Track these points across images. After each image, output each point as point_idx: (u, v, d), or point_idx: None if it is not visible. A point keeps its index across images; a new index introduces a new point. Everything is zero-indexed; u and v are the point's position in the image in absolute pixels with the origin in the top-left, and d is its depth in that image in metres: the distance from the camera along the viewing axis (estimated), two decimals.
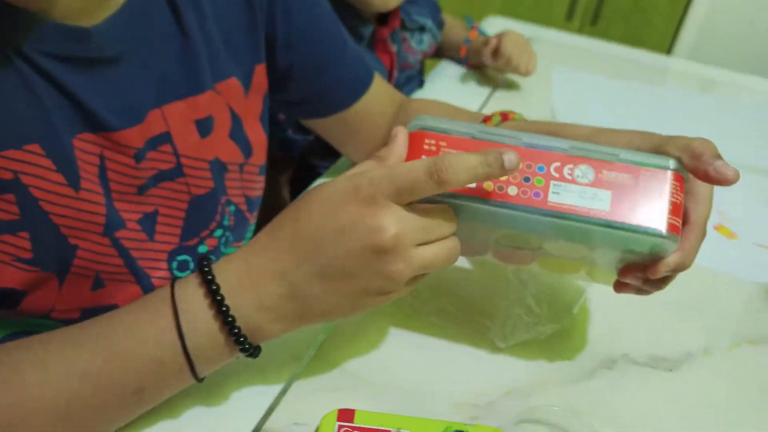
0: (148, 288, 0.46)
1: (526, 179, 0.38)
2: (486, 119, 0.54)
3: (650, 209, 0.37)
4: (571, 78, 1.06)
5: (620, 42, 1.24)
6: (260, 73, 0.52)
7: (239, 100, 0.50)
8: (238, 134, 0.51)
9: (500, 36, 0.95)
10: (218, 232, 0.51)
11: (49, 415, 0.35)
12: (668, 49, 1.37)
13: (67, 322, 0.39)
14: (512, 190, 0.37)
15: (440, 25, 1.06)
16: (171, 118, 0.45)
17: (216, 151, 0.49)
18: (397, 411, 0.38)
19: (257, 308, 0.37)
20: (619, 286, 0.43)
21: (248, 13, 0.50)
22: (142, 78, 0.42)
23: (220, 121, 0.49)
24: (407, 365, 0.47)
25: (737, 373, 0.51)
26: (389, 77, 0.98)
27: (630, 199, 0.37)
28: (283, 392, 0.44)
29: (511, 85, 1.00)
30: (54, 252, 0.40)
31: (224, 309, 0.36)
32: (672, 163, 0.38)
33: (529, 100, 0.96)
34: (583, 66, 1.13)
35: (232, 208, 0.52)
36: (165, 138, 0.45)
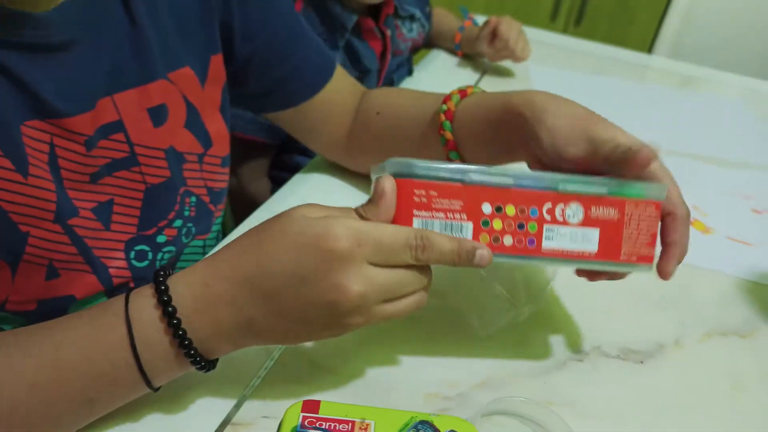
0: (104, 278, 0.46)
1: (520, 226, 0.39)
2: (446, 99, 0.54)
3: (635, 245, 0.41)
4: (550, 74, 1.07)
5: (604, 42, 1.25)
6: (217, 63, 0.52)
7: (195, 90, 0.50)
8: (195, 125, 0.50)
9: (498, 19, 0.97)
10: (178, 223, 0.50)
11: None
12: (649, 48, 1.38)
13: (23, 313, 0.39)
14: (507, 240, 0.39)
15: (428, 16, 1.09)
16: (123, 107, 0.45)
17: (171, 140, 0.49)
18: (367, 403, 0.38)
19: (212, 332, 0.36)
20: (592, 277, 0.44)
21: (202, 3, 0.49)
22: (92, 66, 0.42)
23: (174, 111, 0.48)
24: (379, 358, 0.47)
25: (708, 364, 0.51)
26: (382, 64, 0.97)
27: (616, 237, 0.40)
28: (253, 385, 0.44)
29: (498, 73, 1.03)
30: (4, 239, 0.40)
31: (175, 322, 0.35)
32: (656, 192, 0.41)
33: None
34: (564, 64, 1.14)
35: (193, 199, 0.52)
36: (117, 126, 0.44)
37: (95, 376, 0.35)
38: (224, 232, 0.61)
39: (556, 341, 0.51)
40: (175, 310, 0.35)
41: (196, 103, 0.50)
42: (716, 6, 1.34)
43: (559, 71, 1.10)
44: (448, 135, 0.52)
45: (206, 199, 0.53)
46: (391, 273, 0.36)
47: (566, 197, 0.39)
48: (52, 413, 0.35)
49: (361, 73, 0.94)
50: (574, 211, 0.39)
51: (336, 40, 0.90)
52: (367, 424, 0.35)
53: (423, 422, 0.35)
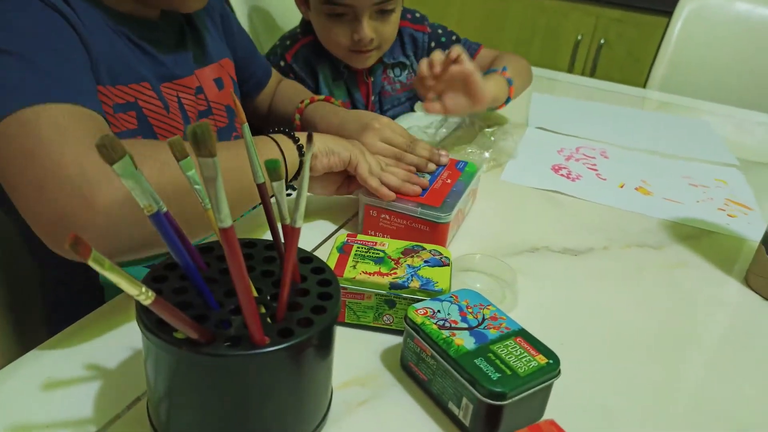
0: None
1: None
2: (301, 102, 0.92)
3: None
4: (547, 99, 1.33)
5: None
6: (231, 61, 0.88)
7: (232, 71, 0.85)
8: (235, 92, 0.85)
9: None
10: None
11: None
12: (644, 84, 1.63)
13: None
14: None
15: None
16: (201, 78, 0.77)
17: (227, 100, 0.81)
18: None
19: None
20: None
21: (216, 27, 0.84)
22: (185, 50, 0.75)
23: (226, 82, 0.82)
24: None
25: (625, 264, 0.74)
26: (366, 103, 1.20)
27: None
28: None
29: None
30: None
31: (298, 142, 0.67)
32: None
33: (508, 112, 1.22)
34: (561, 94, 1.40)
35: (236, 136, 0.84)
36: (200, 90, 0.77)
37: (243, 184, 0.54)
38: None
39: (518, 238, 0.75)
40: (298, 138, 0.67)
41: (234, 79, 0.85)
42: (700, 46, 1.61)
43: (556, 98, 1.36)
44: (297, 122, 0.91)
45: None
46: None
47: None
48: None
49: (354, 108, 1.11)
50: None
51: (336, 77, 1.15)
52: (384, 243, 0.60)
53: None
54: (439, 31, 1.24)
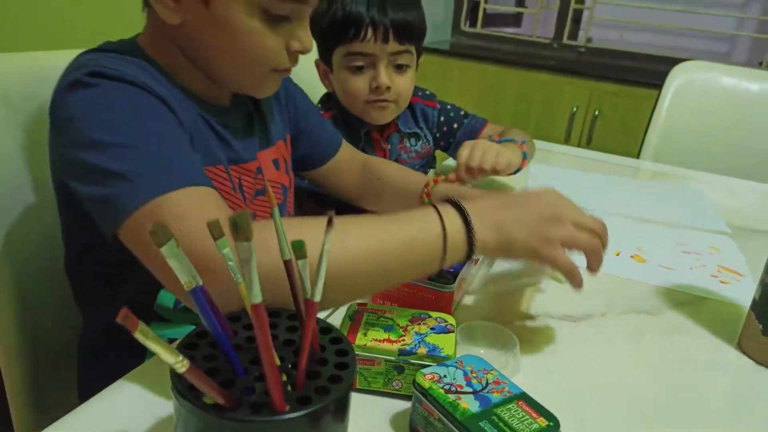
0: None
1: None
2: (426, 185, 0.96)
3: None
4: (545, 169, 1.40)
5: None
6: (288, 140, 0.91)
7: (287, 153, 0.89)
8: (288, 172, 0.88)
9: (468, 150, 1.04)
10: None
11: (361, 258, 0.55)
12: (638, 154, 1.70)
13: None
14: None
15: (434, 133, 1.35)
16: (262, 160, 0.81)
17: (282, 180, 0.85)
18: None
19: (482, 227, 0.60)
20: None
21: (280, 107, 0.89)
22: (252, 135, 0.80)
23: (281, 163, 0.86)
24: None
25: (623, 330, 0.77)
26: None
27: None
28: None
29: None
30: None
31: (466, 215, 0.60)
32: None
33: (507, 182, 1.28)
34: (559, 164, 1.47)
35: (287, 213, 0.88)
36: (259, 171, 0.81)
37: (411, 258, 0.57)
38: None
39: (521, 307, 0.79)
40: (467, 211, 0.60)
41: (288, 160, 0.89)
42: (686, 125, 1.70)
43: (553, 168, 1.43)
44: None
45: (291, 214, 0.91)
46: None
47: None
48: (383, 260, 0.57)
49: None
50: None
51: (355, 143, 1.23)
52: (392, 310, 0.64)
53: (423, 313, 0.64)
54: (448, 107, 1.35)
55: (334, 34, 1.14)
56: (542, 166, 1.41)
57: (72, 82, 0.61)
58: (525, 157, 1.13)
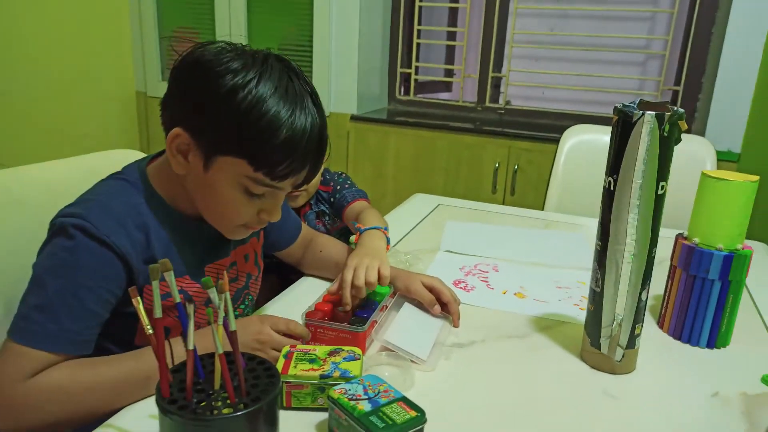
0: None
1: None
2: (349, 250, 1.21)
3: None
4: (458, 226, 1.67)
5: (531, 205, 1.87)
6: (261, 235, 1.15)
7: (258, 245, 1.12)
8: (257, 262, 1.11)
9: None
10: (242, 305, 1.08)
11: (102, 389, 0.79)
12: (542, 206, 2.00)
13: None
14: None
15: (338, 212, 1.59)
16: (235, 255, 1.04)
17: (251, 270, 1.08)
18: None
19: None
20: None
21: None
22: (227, 243, 1.02)
23: (251, 256, 1.09)
24: None
25: (497, 351, 1.02)
26: None
27: None
28: None
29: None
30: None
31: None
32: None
33: (422, 239, 1.54)
34: (475, 220, 1.75)
35: (251, 297, 1.10)
36: (233, 265, 1.04)
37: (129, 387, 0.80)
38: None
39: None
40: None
41: (257, 251, 1.12)
42: (579, 178, 2.03)
43: (464, 224, 1.70)
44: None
45: (253, 295, 1.13)
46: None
47: None
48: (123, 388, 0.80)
49: None
50: None
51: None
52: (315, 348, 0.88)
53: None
54: (338, 187, 1.64)
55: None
56: (457, 223, 1.69)
57: (61, 226, 0.82)
58: (388, 242, 1.27)
